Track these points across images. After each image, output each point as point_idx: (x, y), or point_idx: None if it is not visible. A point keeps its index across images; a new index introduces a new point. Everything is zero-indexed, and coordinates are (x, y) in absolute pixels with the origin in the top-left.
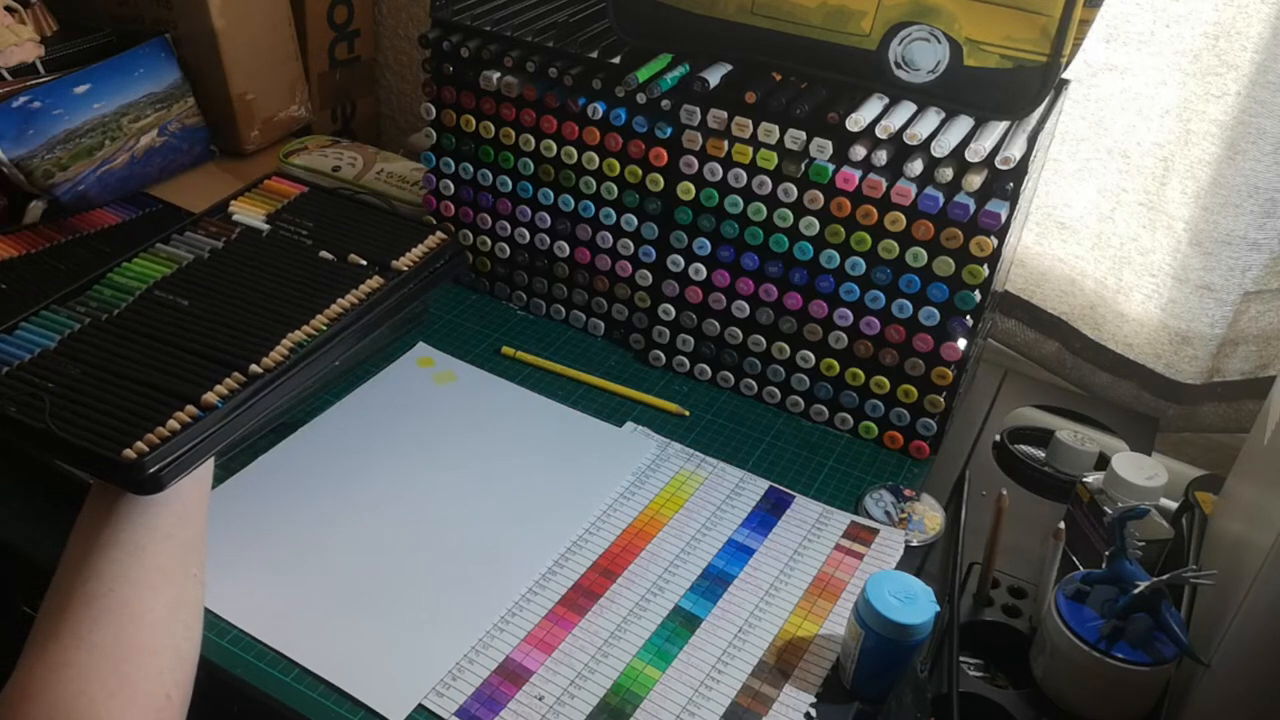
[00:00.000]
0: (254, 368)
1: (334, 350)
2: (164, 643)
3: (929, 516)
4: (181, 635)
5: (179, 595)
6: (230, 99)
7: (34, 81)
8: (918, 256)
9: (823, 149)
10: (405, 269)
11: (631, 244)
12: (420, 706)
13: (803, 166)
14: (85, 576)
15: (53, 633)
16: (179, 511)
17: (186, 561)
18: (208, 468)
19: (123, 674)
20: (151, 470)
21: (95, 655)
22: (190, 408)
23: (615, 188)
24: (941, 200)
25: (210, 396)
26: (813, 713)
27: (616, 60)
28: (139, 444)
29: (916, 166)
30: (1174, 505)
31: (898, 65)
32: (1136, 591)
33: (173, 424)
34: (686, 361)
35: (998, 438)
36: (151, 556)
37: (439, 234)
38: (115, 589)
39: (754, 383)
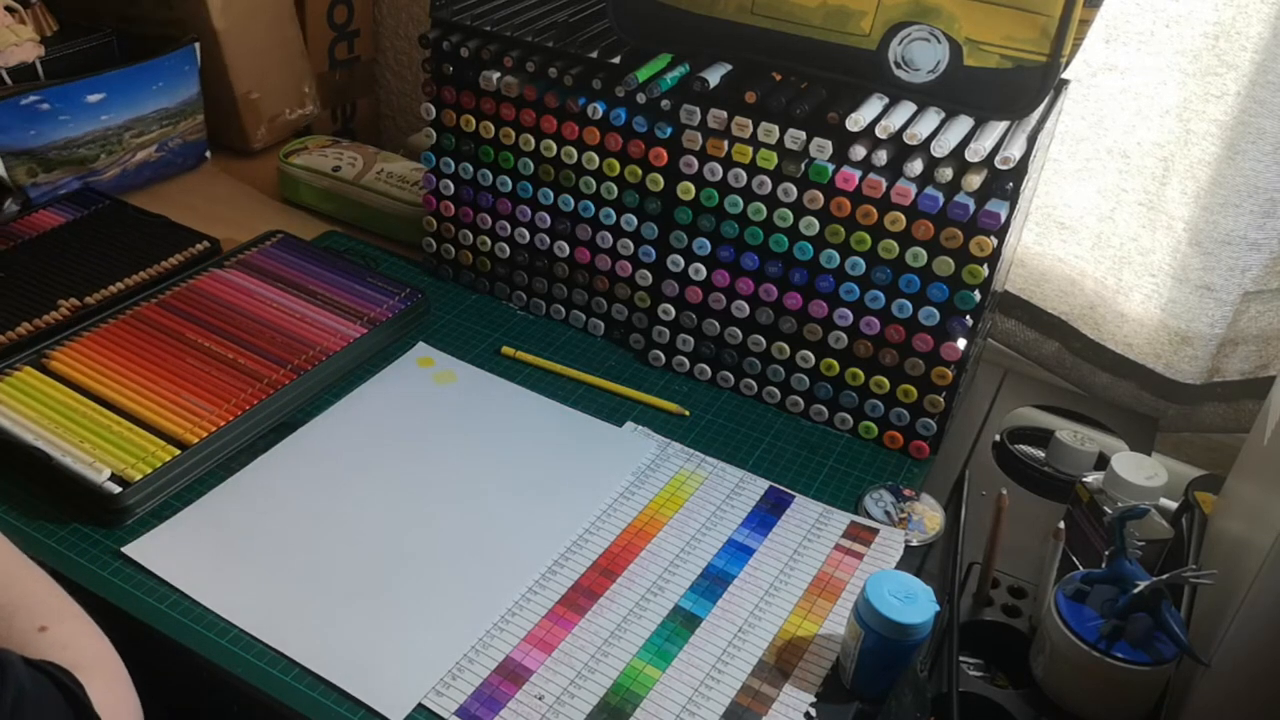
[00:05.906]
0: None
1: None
2: None
3: (929, 516)
4: None
5: None
6: (235, 99)
7: (49, 83)
8: (917, 256)
9: (823, 149)
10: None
11: (631, 244)
12: (420, 706)
13: (803, 166)
14: None
15: None
16: None
17: None
18: None
19: None
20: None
21: None
22: None
23: (615, 188)
24: (941, 200)
25: None
26: (813, 712)
27: (616, 60)
28: None
29: (916, 166)
30: (1174, 505)
31: (898, 65)
32: (1136, 591)
33: None
34: (686, 361)
35: (998, 438)
36: None
37: None
38: None
39: (754, 383)
